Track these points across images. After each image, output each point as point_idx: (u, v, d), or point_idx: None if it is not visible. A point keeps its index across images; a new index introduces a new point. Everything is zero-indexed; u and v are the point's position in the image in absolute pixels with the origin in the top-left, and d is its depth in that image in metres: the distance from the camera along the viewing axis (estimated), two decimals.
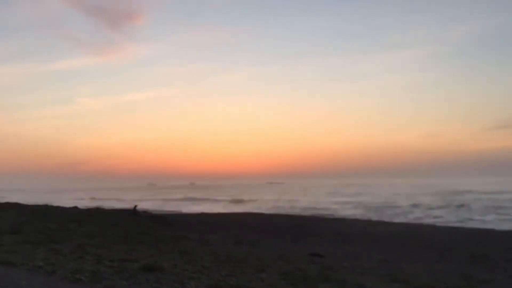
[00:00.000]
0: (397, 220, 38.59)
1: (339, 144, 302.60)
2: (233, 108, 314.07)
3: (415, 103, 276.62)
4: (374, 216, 42.52)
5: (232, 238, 16.43)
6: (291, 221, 33.47)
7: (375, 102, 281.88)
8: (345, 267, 10.21)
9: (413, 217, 42.19)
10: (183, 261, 8.05)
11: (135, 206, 27.80)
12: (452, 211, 47.72)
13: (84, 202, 67.36)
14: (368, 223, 34.41)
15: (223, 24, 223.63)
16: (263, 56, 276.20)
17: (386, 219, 38.77)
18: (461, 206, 52.90)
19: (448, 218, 39.61)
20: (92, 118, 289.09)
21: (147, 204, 60.79)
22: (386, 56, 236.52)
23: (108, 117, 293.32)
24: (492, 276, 11.26)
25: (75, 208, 24.74)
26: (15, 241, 9.15)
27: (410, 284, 7.96)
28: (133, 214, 24.45)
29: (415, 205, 56.02)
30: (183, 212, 46.79)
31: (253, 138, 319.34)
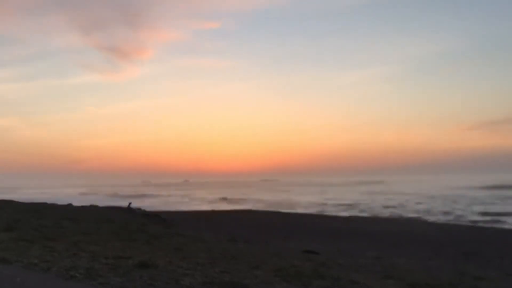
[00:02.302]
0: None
1: (325, 145, 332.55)
2: (228, 113, 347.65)
3: (391, 109, 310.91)
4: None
5: (227, 235, 16.45)
6: (285, 218, 33.54)
7: (353, 109, 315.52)
8: (339, 264, 10.25)
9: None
10: (177, 258, 8.05)
11: (130, 203, 27.80)
12: None
13: (83, 198, 67.58)
14: (363, 220, 34.53)
15: (220, 57, 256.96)
16: (256, 73, 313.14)
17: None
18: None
19: None
20: (97, 123, 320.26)
21: (142, 201, 60.67)
22: (356, 72, 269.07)
23: (110, 122, 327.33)
24: (486, 273, 11.32)
25: (70, 205, 24.64)
26: (10, 238, 9.12)
27: (404, 281, 7.98)
28: (127, 211, 24.43)
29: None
30: (178, 210, 46.79)
31: (248, 140, 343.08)
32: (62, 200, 29.75)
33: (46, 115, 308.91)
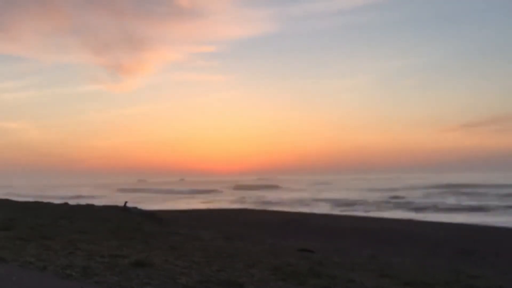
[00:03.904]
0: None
1: (316, 145, 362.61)
2: (224, 117, 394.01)
3: (375, 113, 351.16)
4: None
5: (223, 234, 16.45)
6: (281, 217, 33.56)
7: (338, 113, 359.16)
8: (335, 262, 10.27)
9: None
10: (173, 256, 8.06)
11: (126, 202, 27.72)
12: None
13: (81, 196, 67.75)
14: (358, 218, 34.60)
15: (214, 73, 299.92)
16: (249, 83, 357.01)
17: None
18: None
19: None
20: (100, 126, 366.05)
21: (138, 200, 60.56)
22: (341, 81, 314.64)
23: (112, 125, 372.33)
24: (482, 271, 11.35)
25: (66, 204, 24.55)
26: (6, 237, 9.09)
27: (400, 280, 8.01)
28: (123, 210, 24.37)
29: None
30: (174, 209, 46.76)
31: (242, 141, 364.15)
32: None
33: (53, 119, 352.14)
